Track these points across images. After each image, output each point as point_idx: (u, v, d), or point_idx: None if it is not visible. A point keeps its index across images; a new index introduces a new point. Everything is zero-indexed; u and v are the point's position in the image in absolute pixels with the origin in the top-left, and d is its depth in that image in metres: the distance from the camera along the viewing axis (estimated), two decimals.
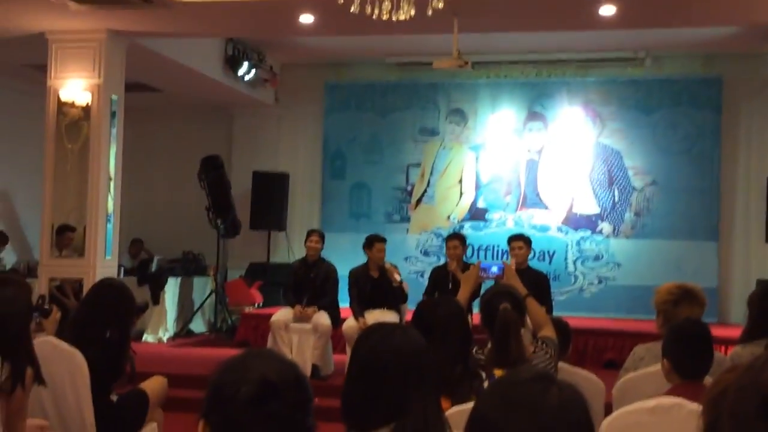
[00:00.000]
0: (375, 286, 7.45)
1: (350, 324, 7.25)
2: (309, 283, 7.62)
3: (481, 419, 1.36)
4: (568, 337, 4.28)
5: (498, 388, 1.40)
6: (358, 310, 7.40)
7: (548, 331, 3.56)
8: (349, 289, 7.54)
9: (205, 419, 1.52)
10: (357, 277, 7.54)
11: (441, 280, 7.39)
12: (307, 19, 7.55)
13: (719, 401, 1.34)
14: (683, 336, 3.18)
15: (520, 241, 7.23)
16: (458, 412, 2.54)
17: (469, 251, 8.10)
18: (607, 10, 7.08)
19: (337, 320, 7.47)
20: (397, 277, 7.40)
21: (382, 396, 2.07)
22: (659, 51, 10.23)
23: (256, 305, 9.96)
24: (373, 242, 7.50)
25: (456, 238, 7.58)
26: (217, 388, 1.52)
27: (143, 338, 9.33)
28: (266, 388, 1.48)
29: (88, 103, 8.04)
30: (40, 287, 7.84)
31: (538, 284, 6.75)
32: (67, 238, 8.02)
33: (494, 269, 4.21)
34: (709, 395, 1.43)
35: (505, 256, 8.57)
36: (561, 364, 3.73)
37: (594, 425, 1.37)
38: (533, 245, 7.64)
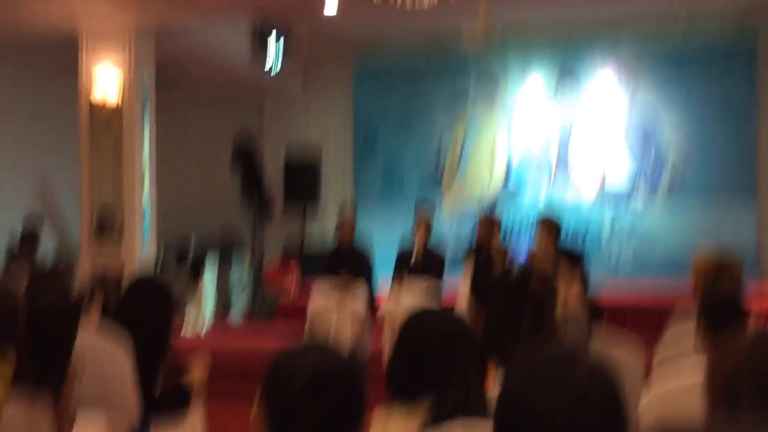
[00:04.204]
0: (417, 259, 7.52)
1: (386, 309, 7.29)
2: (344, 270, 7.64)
3: (511, 395, 1.38)
4: (601, 315, 4.26)
5: (527, 364, 1.42)
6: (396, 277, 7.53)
7: (574, 308, 3.57)
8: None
9: (261, 401, 1.60)
10: (401, 260, 7.63)
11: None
12: (330, 11, 7.51)
13: (735, 379, 1.34)
14: (717, 314, 3.16)
15: (543, 228, 6.66)
16: None
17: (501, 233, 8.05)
18: None
19: (372, 307, 7.51)
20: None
21: (425, 370, 2.16)
22: (693, 7, 10.00)
23: (292, 293, 10.01)
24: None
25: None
26: (273, 376, 1.60)
27: (182, 328, 9.44)
28: (318, 382, 1.55)
29: (119, 97, 8.10)
30: (79, 282, 7.97)
31: (569, 264, 6.66)
32: (109, 228, 8.08)
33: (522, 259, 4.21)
34: (718, 375, 1.41)
35: None
36: (596, 342, 3.73)
37: (625, 402, 1.38)
38: (567, 222, 7.53)
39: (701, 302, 3.69)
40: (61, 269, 7.54)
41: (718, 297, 3.45)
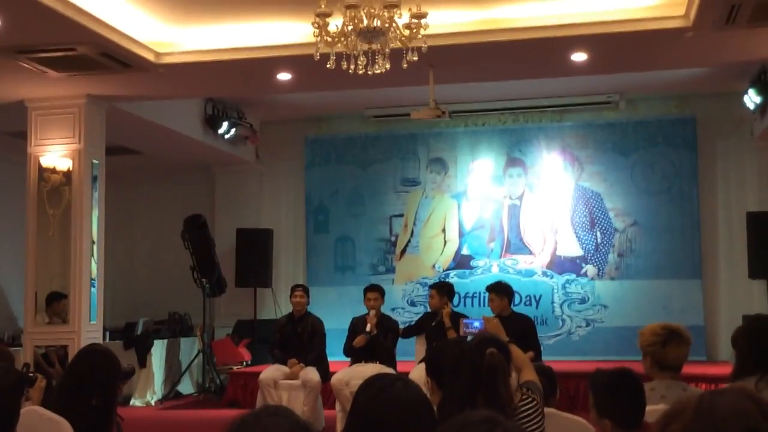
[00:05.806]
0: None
1: (339, 377, 7.21)
2: (296, 338, 7.61)
3: None
4: (554, 382, 4.27)
5: (448, 430, 1.41)
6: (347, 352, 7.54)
7: (529, 374, 3.56)
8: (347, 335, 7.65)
9: None
10: (355, 325, 7.63)
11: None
12: (284, 77, 7.64)
13: None
14: (616, 392, 3.17)
15: (491, 293, 7.34)
16: None
17: (455, 299, 8.15)
18: (579, 57, 7.21)
19: (326, 374, 7.43)
20: (367, 328, 7.43)
21: None
22: (633, 93, 10.39)
23: (244, 363, 9.88)
24: (365, 292, 7.64)
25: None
26: None
27: (131, 402, 9.21)
28: None
29: (69, 169, 8.04)
30: (24, 355, 7.76)
31: (524, 328, 6.81)
32: (61, 305, 7.94)
33: (476, 324, 4.22)
34: None
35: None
36: (551, 410, 3.72)
37: None
38: (519, 290, 7.68)
39: (654, 367, 3.73)
40: (4, 344, 7.34)
41: (607, 375, 3.41)
